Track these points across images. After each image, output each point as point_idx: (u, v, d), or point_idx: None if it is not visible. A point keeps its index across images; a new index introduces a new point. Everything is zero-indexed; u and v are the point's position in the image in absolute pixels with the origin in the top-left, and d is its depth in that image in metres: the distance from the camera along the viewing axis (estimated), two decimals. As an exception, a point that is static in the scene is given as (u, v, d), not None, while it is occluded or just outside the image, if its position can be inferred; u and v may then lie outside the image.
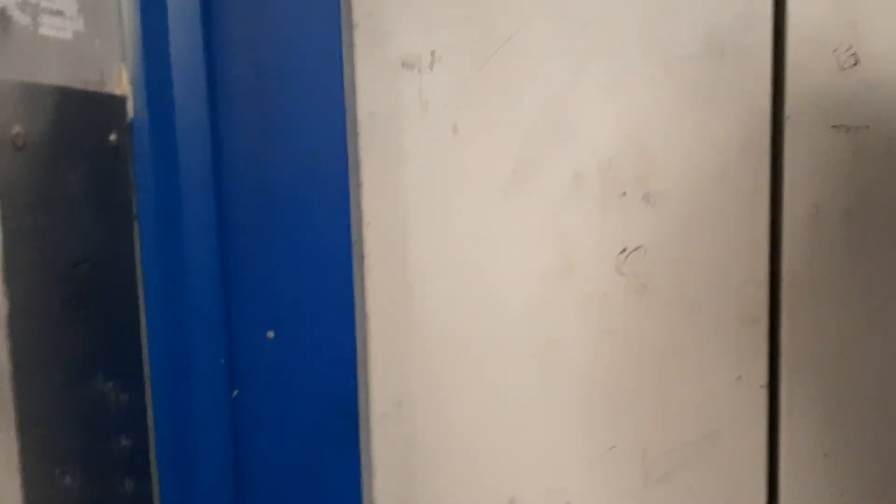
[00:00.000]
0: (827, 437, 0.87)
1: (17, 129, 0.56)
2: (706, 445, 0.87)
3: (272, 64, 0.75)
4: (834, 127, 0.82)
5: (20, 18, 0.57)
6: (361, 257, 0.83)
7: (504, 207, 0.83)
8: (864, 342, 0.86)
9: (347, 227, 0.77)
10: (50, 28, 0.61)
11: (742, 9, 0.81)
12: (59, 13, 0.62)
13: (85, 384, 0.65)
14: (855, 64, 0.81)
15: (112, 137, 0.69)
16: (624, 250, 0.84)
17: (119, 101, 0.71)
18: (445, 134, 0.82)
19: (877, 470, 0.88)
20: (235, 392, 0.78)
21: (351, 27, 0.80)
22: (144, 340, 0.75)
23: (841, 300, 0.85)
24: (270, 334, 0.78)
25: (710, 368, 0.86)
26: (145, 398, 0.75)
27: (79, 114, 0.64)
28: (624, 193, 0.83)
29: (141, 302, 0.74)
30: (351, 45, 0.80)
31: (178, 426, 0.77)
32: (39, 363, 0.59)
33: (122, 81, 0.72)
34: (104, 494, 0.67)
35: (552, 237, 0.83)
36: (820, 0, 0.82)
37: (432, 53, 0.81)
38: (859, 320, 0.86)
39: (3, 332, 0.54)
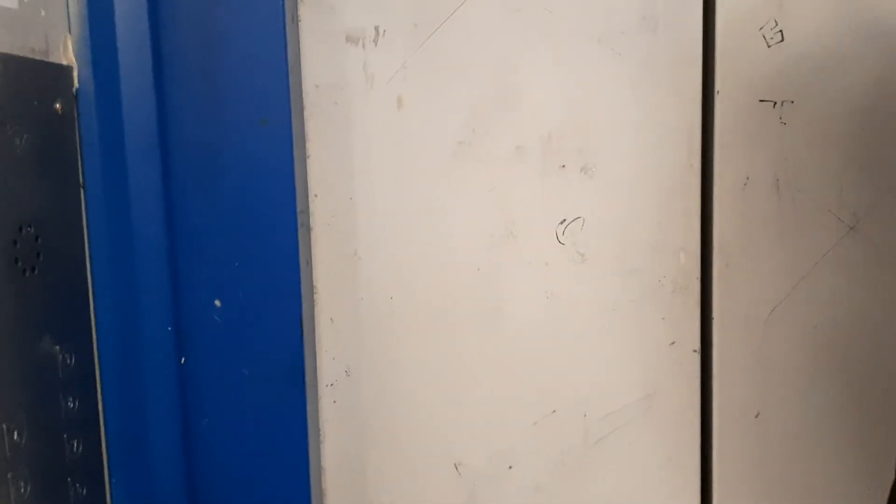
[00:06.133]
0: (757, 398, 0.91)
1: (-40, 93, 0.57)
2: (643, 408, 0.90)
3: (217, 34, 0.75)
4: (762, 101, 0.85)
5: (-36, -15, 0.58)
6: (308, 228, 0.84)
7: (449, 178, 0.85)
8: (792, 308, 0.89)
9: (292, 197, 0.78)
10: (-6, -4, 0.62)
11: (675, -15, 0.83)
12: (4, -19, 0.63)
13: (32, 345, 0.66)
14: (781, 41, 0.85)
15: (57, 105, 0.70)
16: (563, 220, 0.86)
17: (65, 71, 0.72)
18: (391, 107, 0.84)
19: (805, 429, 0.92)
20: (183, 360, 0.80)
21: (296, 1, 0.82)
22: (92, 306, 0.76)
23: (770, 267, 0.88)
24: (217, 303, 0.79)
25: (646, 334, 0.89)
26: (94, 363, 0.76)
27: (23, 81, 0.65)
28: (563, 165, 0.85)
29: (88, 267, 0.75)
30: (296, 19, 0.82)
31: (126, 391, 0.78)
32: (-14, 322, 0.60)
33: (67, 51, 0.72)
34: (53, 453, 0.68)
35: (496, 207, 0.86)
36: (748, -21, 0.85)
37: (376, 28, 0.83)
38: (787, 287, 0.89)
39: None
